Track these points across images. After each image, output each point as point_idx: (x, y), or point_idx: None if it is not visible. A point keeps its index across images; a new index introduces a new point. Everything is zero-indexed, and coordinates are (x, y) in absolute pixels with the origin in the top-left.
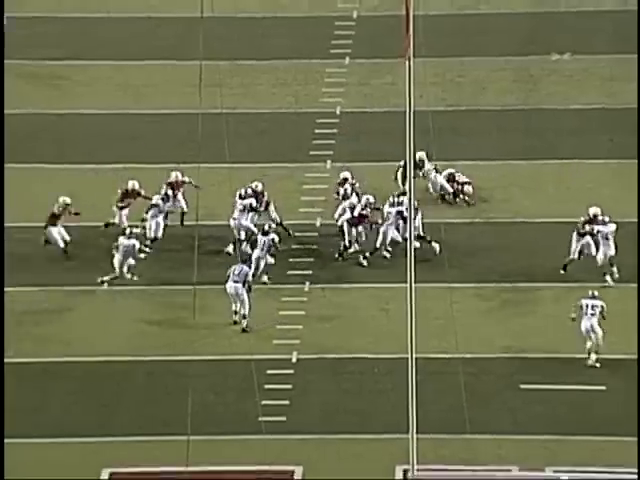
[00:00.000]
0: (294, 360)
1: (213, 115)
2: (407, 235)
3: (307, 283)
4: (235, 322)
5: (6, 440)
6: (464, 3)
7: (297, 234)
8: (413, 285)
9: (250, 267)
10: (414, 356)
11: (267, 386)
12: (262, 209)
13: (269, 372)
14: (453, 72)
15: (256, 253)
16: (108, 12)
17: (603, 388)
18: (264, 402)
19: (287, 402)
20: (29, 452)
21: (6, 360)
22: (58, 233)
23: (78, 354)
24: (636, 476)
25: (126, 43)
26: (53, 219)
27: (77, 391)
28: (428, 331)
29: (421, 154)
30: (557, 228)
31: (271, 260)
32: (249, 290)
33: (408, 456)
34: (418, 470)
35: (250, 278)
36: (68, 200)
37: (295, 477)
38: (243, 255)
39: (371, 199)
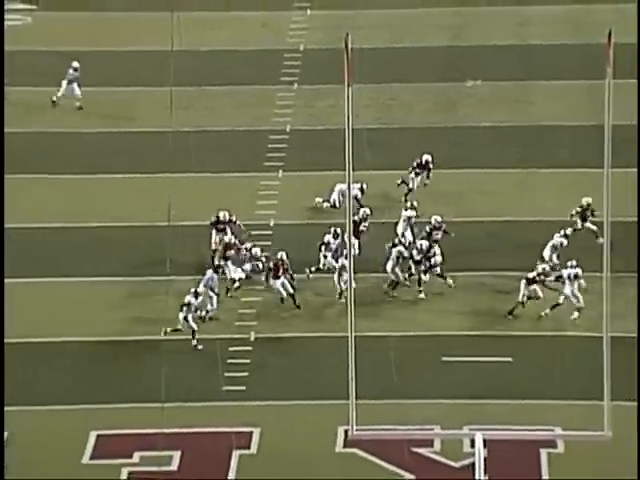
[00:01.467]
0: (252, 339)
1: (183, 133)
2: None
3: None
4: (201, 317)
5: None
6: (393, 38)
7: (253, 232)
8: (352, 276)
9: (218, 274)
10: (353, 335)
11: (229, 361)
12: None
13: (231, 349)
14: (385, 96)
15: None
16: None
17: (510, 360)
18: (227, 374)
19: (246, 374)
20: (26, 419)
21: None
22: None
23: (72, 335)
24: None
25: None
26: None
27: (69, 366)
28: (364, 313)
29: (427, 157)
30: (476, 227)
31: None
32: (217, 295)
33: (348, 418)
34: (357, 430)
35: (214, 284)
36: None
37: (253, 437)
38: (215, 265)
39: (367, 211)
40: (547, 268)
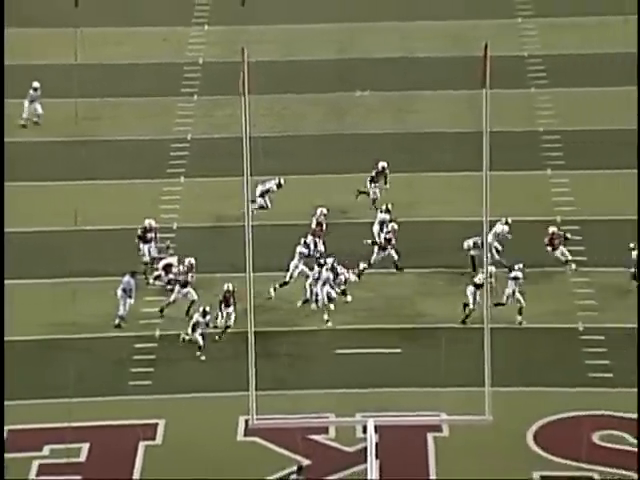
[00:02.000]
0: (157, 336)
1: (88, 142)
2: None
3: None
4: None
5: None
6: (286, 51)
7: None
8: (251, 275)
9: (135, 279)
10: (253, 330)
11: (135, 357)
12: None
13: (136, 346)
14: (279, 106)
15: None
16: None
17: (399, 351)
18: (133, 370)
19: (152, 369)
20: None
21: None
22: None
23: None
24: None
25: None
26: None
27: None
28: (260, 309)
29: (383, 164)
30: (364, 229)
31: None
32: (129, 297)
33: (249, 409)
34: (257, 420)
35: (132, 287)
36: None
37: (159, 429)
38: (134, 271)
39: (324, 210)
40: (493, 270)
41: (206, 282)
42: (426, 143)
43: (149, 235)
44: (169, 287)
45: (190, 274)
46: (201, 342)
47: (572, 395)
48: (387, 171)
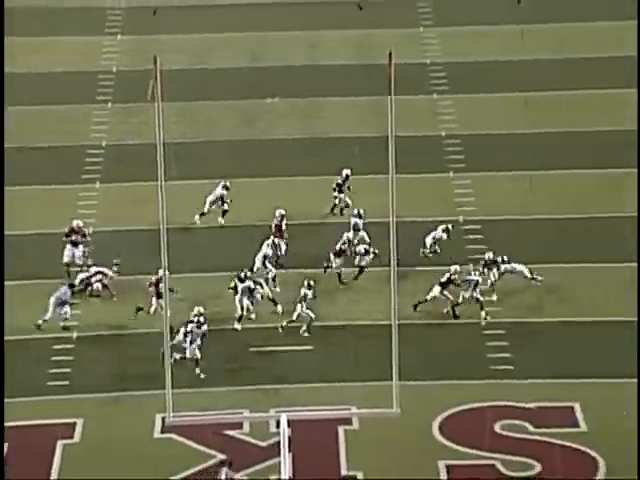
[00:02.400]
0: (74, 337)
1: (7, 149)
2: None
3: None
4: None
5: None
6: (199, 60)
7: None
8: (167, 274)
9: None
10: (168, 329)
11: (53, 358)
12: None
13: (55, 347)
14: (192, 112)
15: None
16: None
17: (311, 347)
18: (51, 371)
19: (69, 370)
20: None
21: None
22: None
23: None
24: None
25: None
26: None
27: None
28: (179, 309)
29: (347, 171)
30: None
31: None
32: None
33: (165, 407)
34: (173, 417)
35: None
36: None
37: (77, 428)
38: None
39: (282, 212)
40: (457, 269)
41: (132, 284)
42: (333, 148)
43: (75, 237)
44: (94, 293)
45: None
46: (198, 355)
47: (475, 387)
48: (350, 177)
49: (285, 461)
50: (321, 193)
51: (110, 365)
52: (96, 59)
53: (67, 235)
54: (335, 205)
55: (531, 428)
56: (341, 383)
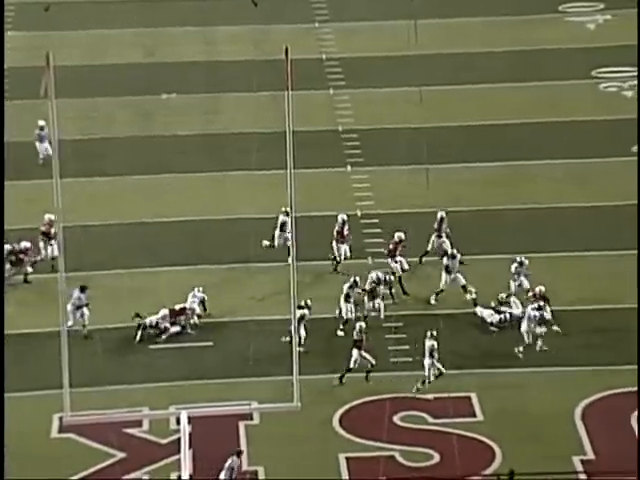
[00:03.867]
0: None
1: None
2: None
3: None
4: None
5: None
6: (94, 56)
7: None
8: (63, 276)
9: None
10: (66, 327)
11: None
12: None
13: None
14: (88, 109)
15: None
16: None
17: (211, 344)
18: None
19: None
20: None
21: None
22: None
23: None
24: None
25: None
26: None
27: None
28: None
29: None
30: (175, 227)
31: None
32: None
33: (63, 406)
34: (71, 416)
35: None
36: None
37: None
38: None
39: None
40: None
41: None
42: (231, 143)
43: (52, 231)
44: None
45: None
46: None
47: (375, 379)
48: None
49: (185, 458)
50: (222, 189)
51: (5, 364)
52: None
53: (45, 232)
54: None
55: (430, 419)
56: (241, 379)
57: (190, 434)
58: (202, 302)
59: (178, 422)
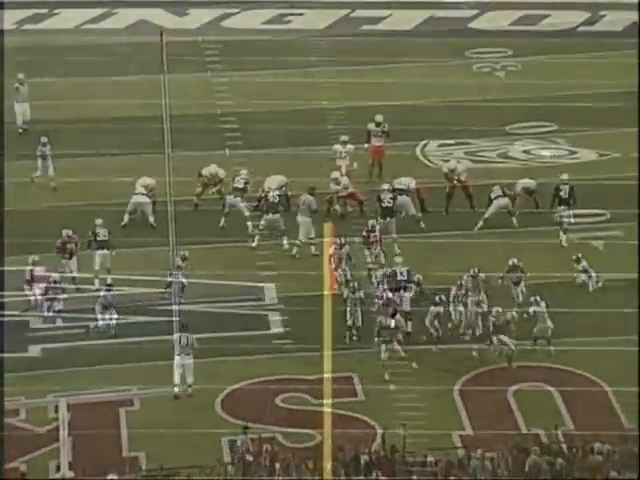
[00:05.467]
0: None
1: None
2: None
3: None
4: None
5: None
6: None
7: None
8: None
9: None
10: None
11: None
12: None
13: None
14: None
15: None
16: None
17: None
18: None
19: None
20: None
21: None
22: None
23: None
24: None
25: None
26: None
27: None
28: None
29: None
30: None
31: None
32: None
33: None
34: None
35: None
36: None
37: None
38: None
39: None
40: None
41: None
42: (110, 128)
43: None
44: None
45: None
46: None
47: (257, 362)
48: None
49: (64, 446)
50: (101, 173)
51: None
52: None
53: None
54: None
55: (311, 400)
56: (121, 365)
57: (69, 422)
58: None
59: (56, 410)
